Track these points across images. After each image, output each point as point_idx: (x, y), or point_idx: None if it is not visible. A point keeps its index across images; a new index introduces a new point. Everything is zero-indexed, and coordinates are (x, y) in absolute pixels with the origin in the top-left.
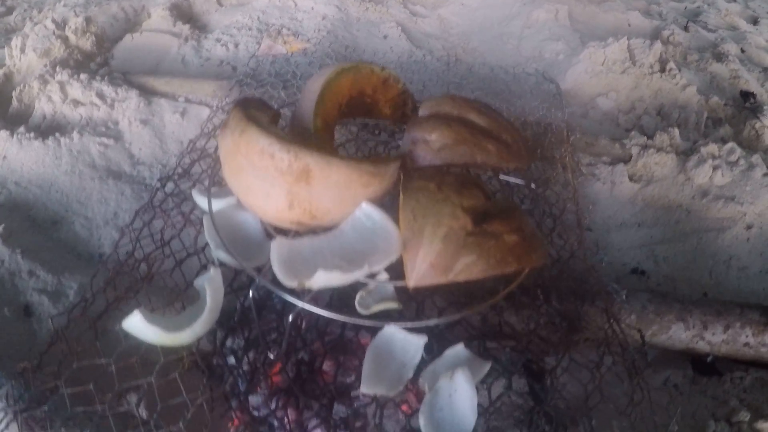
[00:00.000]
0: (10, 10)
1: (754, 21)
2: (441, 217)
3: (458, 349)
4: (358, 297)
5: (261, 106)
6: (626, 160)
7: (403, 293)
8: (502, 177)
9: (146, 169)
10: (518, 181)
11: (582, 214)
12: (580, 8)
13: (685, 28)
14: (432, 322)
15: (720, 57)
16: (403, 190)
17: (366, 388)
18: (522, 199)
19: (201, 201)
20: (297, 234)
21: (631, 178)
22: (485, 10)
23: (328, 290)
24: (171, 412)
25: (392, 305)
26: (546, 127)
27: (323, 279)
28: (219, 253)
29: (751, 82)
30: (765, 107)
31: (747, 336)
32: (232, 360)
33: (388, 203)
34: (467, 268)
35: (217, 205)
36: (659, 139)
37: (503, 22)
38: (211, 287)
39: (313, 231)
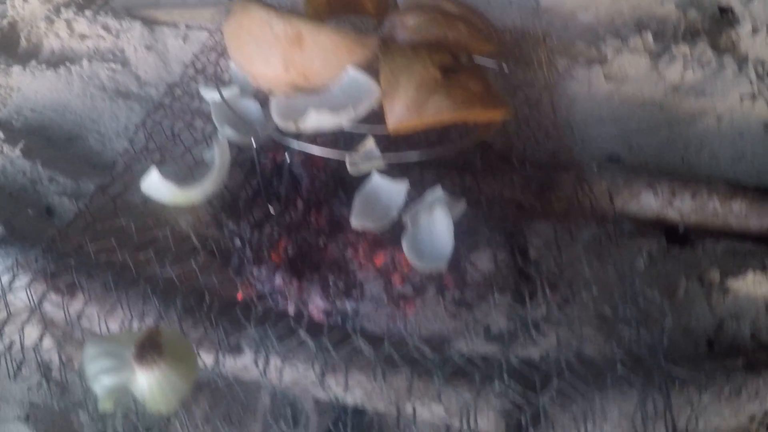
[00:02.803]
0: None
1: None
2: (414, 69)
3: (436, 191)
4: (348, 159)
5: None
6: (602, 61)
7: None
8: (476, 59)
9: (153, 89)
10: (492, 64)
11: (557, 102)
12: None
13: None
14: (413, 156)
15: None
16: (382, 54)
17: (356, 222)
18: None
19: (208, 94)
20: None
21: (606, 78)
22: None
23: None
24: (183, 257)
25: (378, 165)
26: (523, 32)
27: (314, 119)
28: (225, 130)
29: (734, 3)
30: (741, 19)
31: (714, 204)
32: (238, 242)
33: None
34: (437, 107)
35: (219, 96)
36: (633, 42)
37: None
38: (219, 149)
39: (306, 93)
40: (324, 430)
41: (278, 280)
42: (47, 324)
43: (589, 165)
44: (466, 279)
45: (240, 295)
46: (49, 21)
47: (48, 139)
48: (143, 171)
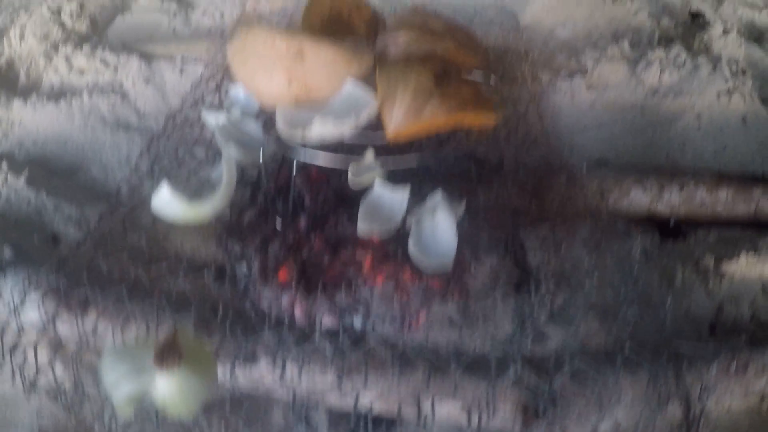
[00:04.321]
0: None
1: None
2: (409, 78)
3: (437, 195)
4: (350, 171)
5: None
6: (583, 72)
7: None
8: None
9: (152, 121)
10: (479, 78)
11: (543, 113)
12: None
13: None
14: (411, 160)
15: None
16: (378, 67)
17: (362, 228)
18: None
19: (210, 117)
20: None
21: (588, 88)
22: None
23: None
24: (195, 272)
25: (379, 176)
26: (506, 49)
27: (319, 128)
28: (231, 149)
29: (702, 6)
30: (712, 23)
31: (702, 194)
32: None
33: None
34: (433, 111)
35: (223, 119)
36: (611, 51)
37: None
38: (226, 165)
39: (308, 106)
40: None
41: (285, 299)
42: (59, 342)
43: (579, 166)
44: (470, 285)
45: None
46: (48, 57)
47: (51, 170)
48: (149, 194)
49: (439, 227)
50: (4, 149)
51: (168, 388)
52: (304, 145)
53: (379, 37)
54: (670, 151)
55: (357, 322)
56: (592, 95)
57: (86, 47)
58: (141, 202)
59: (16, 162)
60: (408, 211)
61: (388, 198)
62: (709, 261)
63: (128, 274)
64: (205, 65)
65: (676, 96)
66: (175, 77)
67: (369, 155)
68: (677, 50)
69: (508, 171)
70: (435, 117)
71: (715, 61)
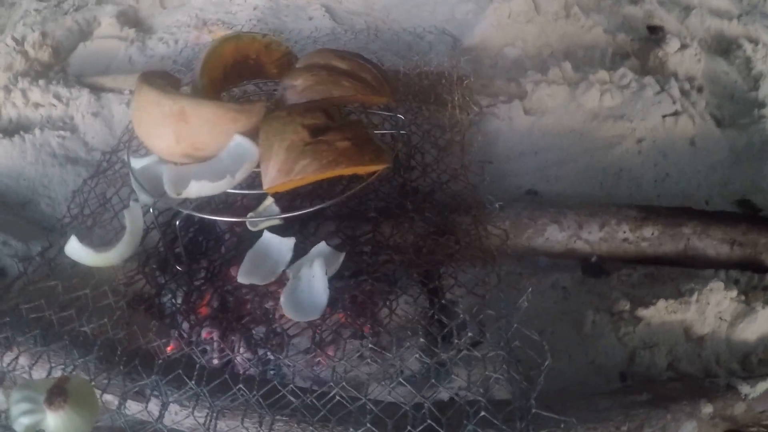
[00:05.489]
0: None
1: None
2: (285, 133)
3: (321, 246)
4: (248, 216)
5: (162, 75)
6: (522, 96)
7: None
8: (370, 111)
9: (99, 154)
10: (384, 112)
11: (467, 144)
12: None
13: None
14: (297, 213)
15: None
16: (262, 120)
17: (242, 279)
18: (407, 133)
19: (133, 161)
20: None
21: (526, 112)
22: None
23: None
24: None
25: (276, 222)
26: (440, 74)
27: (195, 188)
28: (141, 195)
29: (667, 20)
30: (669, 37)
31: (625, 232)
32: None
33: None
34: (304, 169)
35: (141, 162)
36: (552, 73)
37: None
38: (129, 215)
39: (200, 161)
40: None
41: (184, 328)
42: None
43: (491, 202)
44: (381, 325)
45: (170, 347)
46: (7, 90)
47: (4, 203)
48: (78, 234)
49: (315, 281)
50: None
51: (55, 424)
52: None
53: (282, 79)
54: (605, 179)
55: (269, 354)
56: (530, 120)
57: (42, 81)
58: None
59: None
60: (292, 261)
61: (276, 246)
62: (623, 305)
63: (45, 317)
64: None
65: (617, 120)
66: (122, 110)
67: (267, 202)
68: (623, 71)
69: (413, 212)
70: (305, 174)
71: (665, 81)
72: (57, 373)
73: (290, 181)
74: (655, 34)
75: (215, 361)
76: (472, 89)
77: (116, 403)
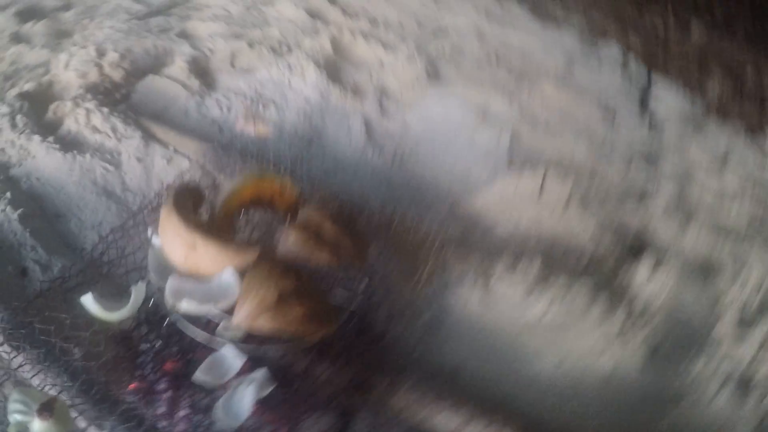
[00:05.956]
0: (67, 6)
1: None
2: (261, 288)
3: (262, 371)
4: (220, 326)
5: (191, 192)
6: (485, 284)
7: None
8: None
9: (131, 196)
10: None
11: (421, 314)
12: (528, 130)
13: (627, 164)
14: (247, 348)
15: (642, 199)
16: (251, 266)
17: (198, 377)
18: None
19: (153, 237)
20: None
21: (480, 302)
22: (442, 121)
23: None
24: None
25: (238, 334)
26: (426, 234)
27: (185, 306)
28: (152, 275)
29: (660, 230)
30: (647, 254)
31: None
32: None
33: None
34: (263, 325)
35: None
36: (522, 266)
37: (452, 136)
38: (136, 292)
39: (199, 277)
40: None
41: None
42: None
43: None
44: None
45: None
46: (76, 104)
47: (42, 208)
48: (94, 276)
49: (245, 397)
50: (15, 173)
51: (39, 430)
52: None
53: (282, 229)
54: (510, 390)
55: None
56: (480, 310)
57: (105, 108)
58: (83, 282)
59: (20, 191)
60: (238, 373)
61: (230, 358)
62: None
63: (50, 341)
64: (189, 163)
65: (553, 332)
66: (163, 164)
67: (229, 321)
68: (580, 285)
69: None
70: (265, 327)
71: (618, 300)
72: (49, 389)
73: (253, 327)
74: (636, 249)
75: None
76: (448, 260)
77: (84, 425)
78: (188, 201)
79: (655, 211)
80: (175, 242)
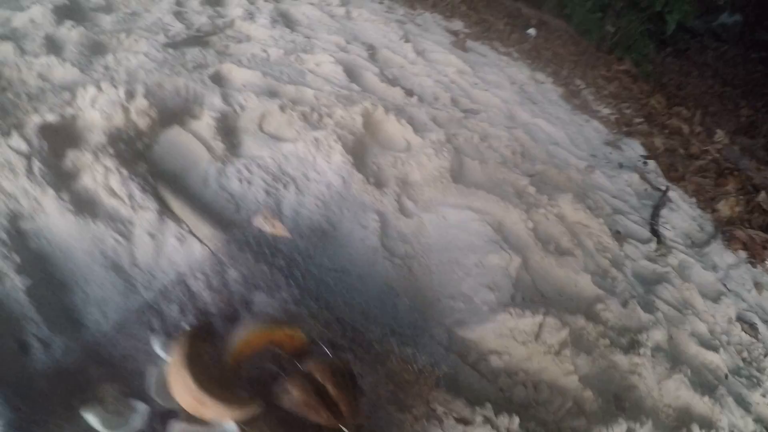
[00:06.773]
0: (108, 8)
1: (716, 299)
2: None
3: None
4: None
5: (204, 335)
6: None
7: None
8: None
9: (139, 273)
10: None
11: None
12: (538, 258)
13: (624, 305)
14: None
15: (632, 346)
16: (250, 422)
17: None
18: None
19: (159, 351)
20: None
21: None
22: (457, 231)
23: None
24: None
25: None
26: (420, 372)
27: None
28: (152, 387)
29: (645, 378)
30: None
31: None
32: None
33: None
34: None
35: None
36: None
37: (464, 250)
38: (137, 417)
39: (205, 424)
40: None
41: None
42: None
43: None
44: None
45: None
46: (96, 158)
47: (49, 273)
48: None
49: None
50: (26, 228)
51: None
52: None
53: (288, 379)
54: None
55: None
56: None
57: (124, 171)
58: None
59: (29, 252)
60: None
61: None
62: None
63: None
64: (201, 247)
65: None
66: (175, 244)
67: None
68: None
69: None
70: None
71: None
72: None
73: None
74: (619, 402)
75: None
76: (435, 403)
77: None
78: (200, 348)
79: (641, 360)
80: (183, 392)
